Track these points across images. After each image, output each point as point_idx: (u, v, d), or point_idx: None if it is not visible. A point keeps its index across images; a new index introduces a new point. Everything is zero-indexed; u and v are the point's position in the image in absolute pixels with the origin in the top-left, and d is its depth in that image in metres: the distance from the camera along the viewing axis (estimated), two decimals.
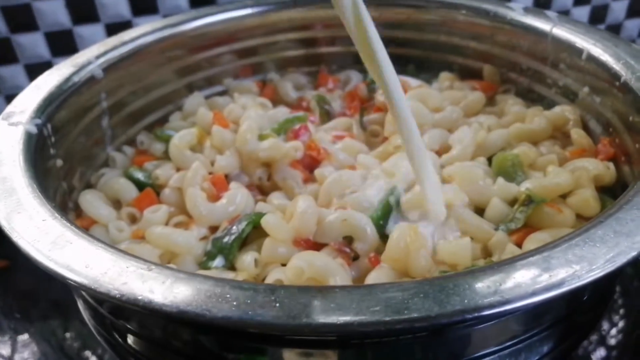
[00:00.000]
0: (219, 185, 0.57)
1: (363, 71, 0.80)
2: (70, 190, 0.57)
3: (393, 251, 0.48)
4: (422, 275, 0.46)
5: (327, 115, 0.72)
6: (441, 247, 0.48)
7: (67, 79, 0.57)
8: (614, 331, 0.60)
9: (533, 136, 0.60)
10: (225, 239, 0.51)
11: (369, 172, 0.57)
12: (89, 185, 0.61)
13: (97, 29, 0.85)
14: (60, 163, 0.54)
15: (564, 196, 0.52)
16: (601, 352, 0.58)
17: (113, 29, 0.85)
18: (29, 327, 0.66)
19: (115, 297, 0.32)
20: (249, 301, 0.30)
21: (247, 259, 0.49)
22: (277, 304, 0.30)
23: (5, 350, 0.63)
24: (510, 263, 0.33)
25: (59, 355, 0.61)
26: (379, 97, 0.71)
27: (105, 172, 0.62)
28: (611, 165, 0.54)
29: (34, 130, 0.49)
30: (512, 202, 0.51)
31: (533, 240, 0.47)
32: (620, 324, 0.61)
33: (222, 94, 0.77)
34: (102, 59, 0.62)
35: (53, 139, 0.53)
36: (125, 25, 0.86)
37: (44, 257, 0.35)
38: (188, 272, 0.34)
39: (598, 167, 0.53)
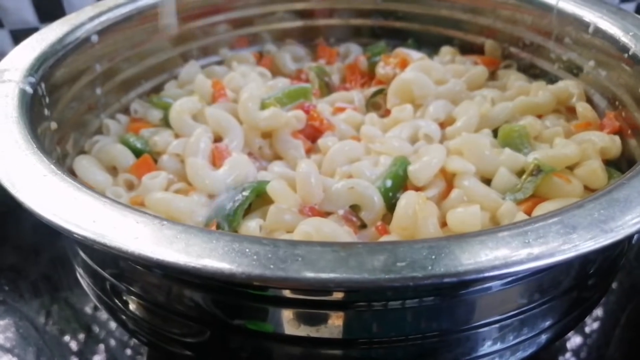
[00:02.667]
0: (220, 154, 0.55)
1: (362, 44, 0.79)
2: (64, 155, 0.55)
3: (401, 219, 0.47)
4: None
5: (326, 88, 0.70)
6: (450, 216, 0.47)
7: (61, 39, 0.55)
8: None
9: (537, 109, 0.59)
10: (229, 206, 0.49)
11: (373, 144, 0.56)
12: (83, 152, 0.59)
13: None
14: (54, 126, 0.52)
15: (570, 168, 0.51)
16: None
17: None
18: (18, 300, 0.64)
19: (126, 252, 0.30)
20: (270, 255, 0.29)
21: (252, 225, 0.47)
22: (300, 259, 0.29)
23: None
24: (533, 222, 0.32)
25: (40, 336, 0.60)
26: (380, 69, 0.70)
27: (99, 139, 0.59)
28: (617, 138, 0.54)
29: (28, 88, 0.47)
30: (519, 173, 0.51)
31: (543, 209, 0.46)
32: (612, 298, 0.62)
33: (218, 64, 0.75)
34: (96, 21, 0.59)
35: (47, 100, 0.51)
36: None
37: (49, 212, 0.33)
38: (201, 228, 0.33)
39: (604, 140, 0.53)
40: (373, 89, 0.68)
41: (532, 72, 0.69)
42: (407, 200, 0.47)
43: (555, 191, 0.48)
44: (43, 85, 0.50)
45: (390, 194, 0.50)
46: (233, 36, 0.77)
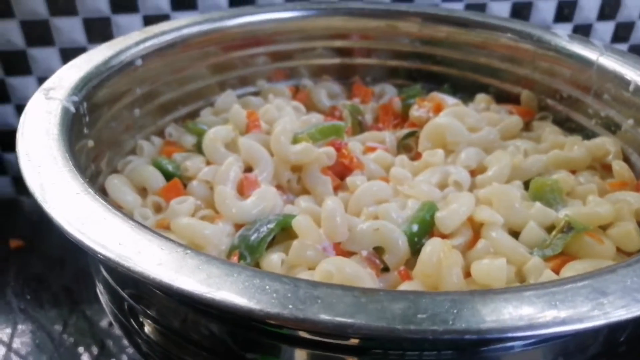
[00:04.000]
0: (250, 184, 0.56)
1: (398, 85, 0.79)
2: (98, 173, 0.56)
3: (425, 266, 0.46)
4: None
5: (359, 126, 0.71)
6: (475, 267, 0.46)
7: (107, 61, 0.57)
8: None
9: (571, 164, 0.58)
10: (253, 237, 0.49)
11: (401, 186, 0.56)
12: (115, 171, 0.60)
13: (135, 19, 0.85)
14: (91, 144, 0.53)
15: (603, 228, 0.50)
16: None
17: (150, 21, 0.85)
18: (38, 310, 0.64)
19: (148, 277, 0.30)
20: (289, 295, 0.29)
21: (274, 258, 0.47)
22: (319, 301, 0.28)
23: (5, 336, 0.62)
24: (561, 284, 0.31)
25: (55, 347, 0.60)
26: (414, 112, 0.70)
27: (132, 160, 0.61)
28: None
29: (71, 107, 0.49)
30: (549, 229, 0.50)
31: (572, 269, 0.45)
32: None
33: (254, 94, 0.76)
34: (141, 46, 0.61)
35: (87, 119, 0.52)
36: (163, 18, 0.86)
37: (77, 230, 0.34)
38: (224, 260, 0.33)
39: None
40: (405, 130, 0.69)
41: (568, 126, 0.68)
42: (432, 247, 0.47)
43: (586, 251, 0.47)
44: (85, 104, 0.52)
45: (416, 239, 0.49)
46: (271, 69, 0.79)
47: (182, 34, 0.65)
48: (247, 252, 0.48)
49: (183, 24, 0.66)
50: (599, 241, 0.47)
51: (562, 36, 0.67)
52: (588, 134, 0.65)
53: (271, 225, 0.50)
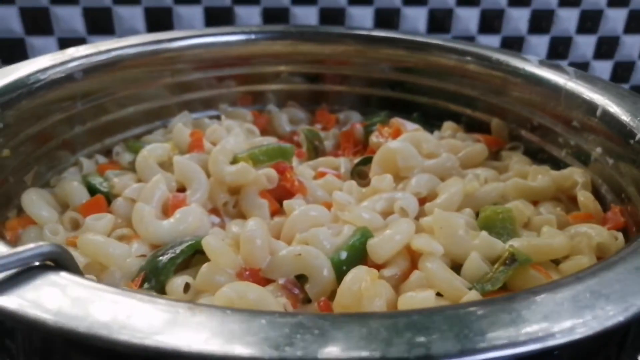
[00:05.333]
0: (176, 204, 0.52)
1: (369, 114, 0.75)
2: (16, 186, 0.53)
3: (344, 296, 0.41)
4: None
5: (314, 152, 0.67)
6: (401, 299, 0.41)
7: (37, 73, 0.55)
8: None
9: (533, 194, 0.53)
10: (162, 259, 0.45)
11: (342, 212, 0.51)
12: (47, 186, 0.57)
13: (136, 11, 0.84)
14: (6, 152, 0.50)
15: (557, 262, 0.44)
16: None
17: (154, 13, 0.85)
18: None
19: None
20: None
21: (177, 282, 0.43)
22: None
23: None
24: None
25: None
26: (374, 138, 0.66)
27: (66, 176, 0.58)
28: (620, 235, 0.46)
29: None
30: (495, 261, 0.44)
31: None
32: None
33: (216, 118, 0.73)
34: (82, 61, 0.59)
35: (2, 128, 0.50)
36: (166, 12, 0.85)
37: None
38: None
39: (603, 235, 0.45)
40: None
41: (540, 157, 0.62)
42: (354, 275, 0.41)
43: (530, 286, 0.41)
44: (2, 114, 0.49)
45: (344, 267, 0.44)
46: (236, 92, 0.76)
47: (124, 53, 0.63)
48: (152, 275, 0.44)
49: (128, 44, 0.64)
50: (545, 275, 0.41)
51: (532, 61, 0.62)
52: (560, 165, 0.59)
53: (182, 247, 0.45)
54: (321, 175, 0.61)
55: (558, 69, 0.60)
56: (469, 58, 0.67)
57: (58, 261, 0.30)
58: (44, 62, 0.56)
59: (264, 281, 0.44)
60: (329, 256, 0.45)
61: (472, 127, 0.69)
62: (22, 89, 0.52)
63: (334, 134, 0.71)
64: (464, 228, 0.46)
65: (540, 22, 1.01)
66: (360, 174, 0.62)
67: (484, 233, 0.45)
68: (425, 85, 0.72)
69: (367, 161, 0.63)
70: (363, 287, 0.40)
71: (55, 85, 0.56)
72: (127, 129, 0.68)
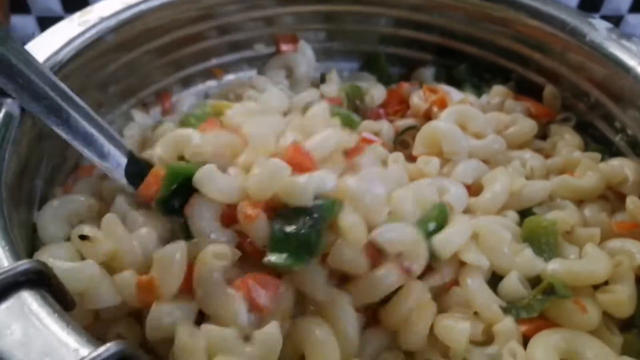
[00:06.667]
0: None
1: (410, 57, 0.70)
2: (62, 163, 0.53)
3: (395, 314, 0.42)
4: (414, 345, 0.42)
5: (354, 110, 0.64)
6: (438, 323, 0.42)
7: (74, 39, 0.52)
8: None
9: (581, 194, 0.52)
10: None
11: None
12: None
13: None
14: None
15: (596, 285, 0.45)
16: None
17: None
18: None
19: None
20: None
21: None
22: None
23: None
24: None
25: None
26: (416, 99, 0.62)
27: None
28: None
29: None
30: (534, 280, 0.45)
31: (542, 342, 0.41)
32: None
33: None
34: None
35: None
36: None
37: None
38: None
39: None
40: (406, 122, 0.62)
41: (592, 134, 0.60)
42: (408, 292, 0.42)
43: (566, 318, 0.42)
44: None
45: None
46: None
47: None
48: None
49: None
50: (582, 310, 0.42)
51: (600, 30, 0.56)
52: (611, 149, 0.57)
53: None
54: (363, 141, 0.59)
55: (629, 45, 0.54)
56: (527, 12, 0.61)
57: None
58: (71, 28, 0.53)
59: None
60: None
61: (523, 87, 0.65)
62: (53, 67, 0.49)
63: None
64: (509, 244, 0.46)
65: None
66: (402, 143, 0.61)
67: (528, 251, 0.45)
68: (476, 36, 0.66)
69: (410, 128, 0.60)
70: (416, 308, 0.42)
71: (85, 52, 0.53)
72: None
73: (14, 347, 0.28)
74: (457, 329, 0.41)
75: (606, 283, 0.45)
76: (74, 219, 0.47)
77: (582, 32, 0.57)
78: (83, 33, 0.53)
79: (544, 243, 0.47)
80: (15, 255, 0.34)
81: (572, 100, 0.61)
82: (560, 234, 0.48)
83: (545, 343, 0.40)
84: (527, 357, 0.40)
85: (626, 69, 0.53)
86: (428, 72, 0.69)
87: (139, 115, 0.62)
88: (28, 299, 0.31)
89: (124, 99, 0.62)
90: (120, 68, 0.59)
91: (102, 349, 0.28)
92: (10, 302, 0.30)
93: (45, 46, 0.50)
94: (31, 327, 0.29)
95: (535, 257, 0.45)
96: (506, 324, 0.42)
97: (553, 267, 0.44)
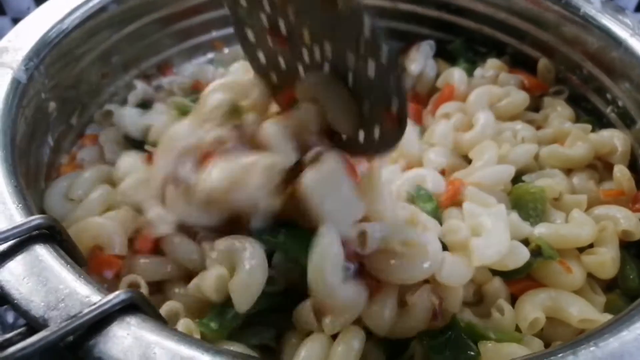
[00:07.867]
0: None
1: (406, 31, 0.71)
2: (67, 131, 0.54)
3: None
4: None
5: None
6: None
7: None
8: None
9: (570, 163, 0.53)
10: None
11: None
12: (91, 122, 0.59)
13: None
14: (52, 107, 0.51)
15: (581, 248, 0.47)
16: None
17: None
18: None
19: None
20: None
21: None
22: None
23: None
24: None
25: None
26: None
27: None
28: None
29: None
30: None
31: (529, 300, 0.43)
32: None
33: None
34: None
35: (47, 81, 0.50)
36: None
37: None
38: None
39: (629, 222, 0.47)
40: None
41: (584, 106, 0.61)
42: None
43: (552, 279, 0.44)
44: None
45: None
46: None
47: None
48: None
49: None
50: (567, 270, 0.44)
51: (593, 3, 0.57)
52: (602, 121, 0.58)
53: None
54: None
55: (621, 17, 0.55)
56: None
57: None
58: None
59: None
60: None
61: (518, 60, 0.66)
62: (57, 35, 0.51)
63: None
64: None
65: None
66: None
67: (515, 216, 0.47)
68: (472, 10, 0.67)
69: None
70: None
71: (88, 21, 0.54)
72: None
73: (31, 294, 0.30)
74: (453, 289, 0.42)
75: (591, 246, 0.47)
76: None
77: (576, 5, 0.58)
78: (86, 2, 0.54)
79: (531, 209, 0.48)
80: (29, 212, 0.35)
81: (566, 73, 0.62)
82: (549, 201, 0.50)
83: (532, 301, 0.42)
84: (514, 312, 0.42)
85: (619, 40, 0.55)
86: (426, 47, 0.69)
87: (141, 86, 0.63)
88: (42, 251, 0.32)
89: (126, 69, 0.63)
90: (123, 39, 0.60)
91: (111, 295, 0.30)
92: (24, 254, 0.32)
93: (50, 14, 0.51)
94: (46, 277, 0.31)
95: (521, 221, 0.47)
96: (495, 284, 0.44)
97: (540, 231, 0.46)
